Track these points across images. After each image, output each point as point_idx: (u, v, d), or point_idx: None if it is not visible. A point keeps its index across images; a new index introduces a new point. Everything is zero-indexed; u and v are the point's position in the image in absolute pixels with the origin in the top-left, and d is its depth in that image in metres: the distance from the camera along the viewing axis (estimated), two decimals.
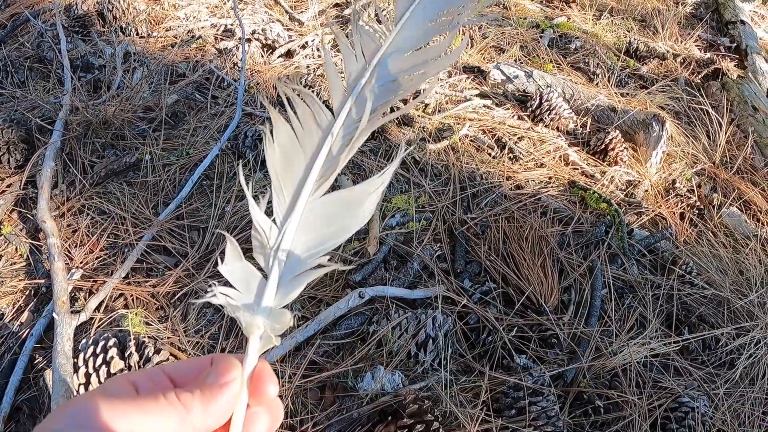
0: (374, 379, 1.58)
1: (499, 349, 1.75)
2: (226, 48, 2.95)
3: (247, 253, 0.52)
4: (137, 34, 3.00)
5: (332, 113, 0.54)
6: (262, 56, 2.94)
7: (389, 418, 1.47)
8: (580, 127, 2.80)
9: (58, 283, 1.74)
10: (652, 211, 2.39)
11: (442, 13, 0.58)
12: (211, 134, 2.41)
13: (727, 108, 2.93)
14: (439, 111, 2.73)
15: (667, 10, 4.04)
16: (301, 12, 3.44)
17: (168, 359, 1.59)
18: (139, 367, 1.53)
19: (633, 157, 2.65)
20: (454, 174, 2.34)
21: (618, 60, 3.35)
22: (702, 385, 1.80)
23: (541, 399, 1.59)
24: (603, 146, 2.60)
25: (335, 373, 1.63)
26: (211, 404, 0.45)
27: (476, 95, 2.89)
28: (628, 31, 3.75)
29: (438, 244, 2.05)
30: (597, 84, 3.13)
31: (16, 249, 1.95)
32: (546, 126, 2.74)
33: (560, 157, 2.59)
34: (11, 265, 1.91)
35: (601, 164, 2.60)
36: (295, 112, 0.54)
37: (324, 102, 0.54)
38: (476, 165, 2.42)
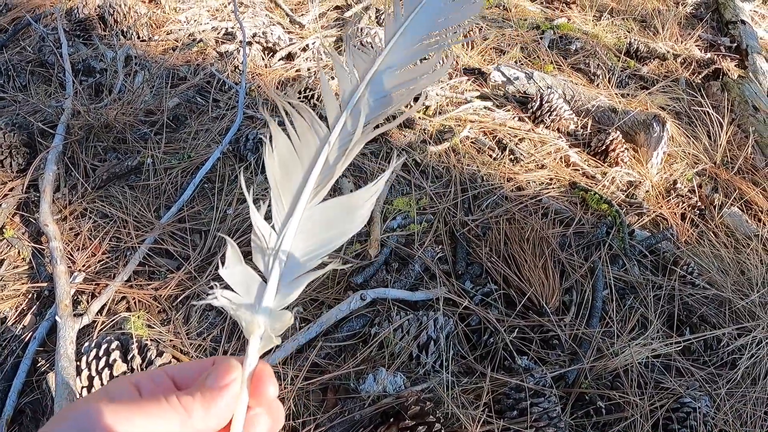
0: (376, 380, 1.58)
1: (500, 351, 1.76)
2: (227, 51, 2.96)
3: (248, 256, 0.52)
4: (138, 37, 3.01)
5: (328, 126, 0.57)
6: (263, 59, 2.95)
7: (391, 419, 1.47)
8: (581, 128, 2.80)
9: (60, 286, 1.75)
10: (653, 212, 2.39)
11: (429, 36, 0.62)
12: (213, 137, 2.41)
13: (727, 108, 2.93)
14: (439, 113, 2.74)
15: (667, 10, 4.04)
16: (302, 15, 3.44)
17: (170, 362, 1.60)
18: (142, 369, 1.53)
19: (634, 157, 2.66)
20: (455, 176, 2.34)
21: (618, 61, 3.35)
22: (704, 386, 1.80)
23: (543, 400, 1.59)
24: (604, 147, 2.60)
25: (337, 375, 1.64)
26: (211, 407, 0.46)
27: (477, 97, 2.90)
28: (629, 32, 3.76)
29: (439, 246, 2.05)
30: (597, 85, 3.13)
31: (19, 252, 1.95)
32: (547, 127, 2.74)
33: (561, 158, 2.59)
34: (14, 268, 1.91)
35: (602, 165, 2.60)
36: (292, 125, 0.56)
37: (320, 115, 0.57)
38: (477, 167, 2.42)
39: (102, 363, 1.51)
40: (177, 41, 3.03)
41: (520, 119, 2.78)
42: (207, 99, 2.65)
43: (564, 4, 3.99)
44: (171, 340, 1.70)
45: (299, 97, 2.58)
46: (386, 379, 1.58)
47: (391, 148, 2.43)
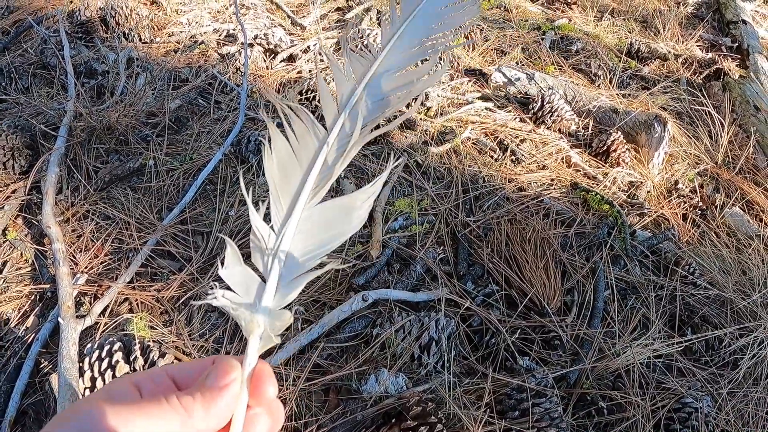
0: (378, 381, 1.58)
1: (502, 351, 1.76)
2: (229, 53, 2.97)
3: (248, 258, 0.53)
4: (140, 39, 3.02)
5: (326, 128, 0.58)
6: (265, 61, 2.95)
7: (393, 420, 1.47)
8: (582, 128, 2.80)
9: (63, 287, 1.76)
10: (655, 212, 2.39)
11: (426, 39, 0.62)
12: (215, 139, 2.42)
13: (729, 108, 2.93)
14: (441, 114, 2.74)
15: (668, 10, 4.04)
16: (303, 16, 3.45)
17: (172, 362, 1.60)
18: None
19: (635, 158, 2.66)
20: (457, 177, 2.34)
21: (619, 61, 3.35)
22: (705, 386, 1.80)
23: (545, 400, 1.59)
24: (605, 148, 2.60)
25: (339, 376, 1.64)
26: (211, 407, 0.46)
27: (478, 98, 2.90)
28: (630, 32, 3.76)
29: (441, 247, 2.06)
30: (599, 85, 3.14)
31: (21, 254, 1.96)
32: (548, 128, 2.74)
33: (562, 159, 2.59)
34: (16, 270, 1.92)
35: (604, 166, 2.60)
36: (291, 127, 0.57)
37: (319, 118, 0.57)
38: (478, 168, 2.42)
39: (105, 364, 1.52)
40: (179, 43, 3.04)
41: (522, 120, 2.78)
42: (209, 101, 2.66)
43: (565, 5, 3.99)
44: (173, 341, 1.71)
45: (300, 99, 2.59)
46: (388, 380, 1.59)
47: (392, 150, 2.43)
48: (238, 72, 2.83)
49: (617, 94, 3.04)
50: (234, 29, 3.19)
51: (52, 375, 1.60)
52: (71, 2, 3.22)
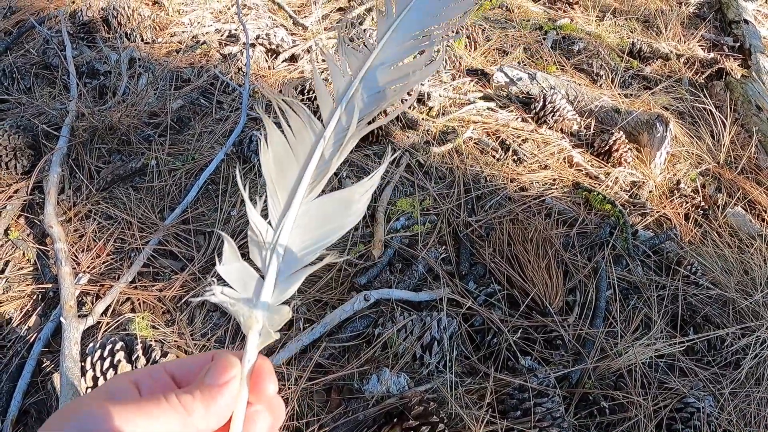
0: (380, 381, 1.58)
1: (504, 351, 1.76)
2: (231, 53, 2.97)
3: (245, 254, 0.53)
4: (142, 40, 3.02)
5: (322, 122, 0.57)
6: (267, 61, 2.96)
7: (395, 419, 1.47)
8: (584, 128, 2.80)
9: (65, 287, 1.76)
10: (657, 212, 2.39)
11: (420, 32, 0.62)
12: (217, 139, 2.42)
13: (731, 107, 2.93)
14: (443, 114, 2.74)
15: (670, 10, 4.04)
16: (305, 17, 3.45)
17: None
18: None
19: (637, 158, 2.66)
20: (459, 177, 2.34)
21: (621, 61, 3.35)
22: (707, 386, 1.80)
23: (547, 400, 1.59)
24: (607, 147, 2.60)
25: (341, 376, 1.64)
26: (211, 405, 0.46)
27: (480, 98, 2.90)
28: (632, 32, 3.75)
29: (443, 247, 2.06)
30: (600, 85, 3.13)
31: (24, 254, 1.96)
32: (550, 128, 2.74)
33: (564, 158, 2.59)
34: (19, 270, 1.92)
35: (605, 165, 2.60)
36: (287, 122, 0.57)
37: (316, 111, 0.57)
38: (480, 167, 2.42)
39: (107, 364, 1.52)
40: (180, 43, 3.04)
41: (523, 120, 2.78)
42: (211, 101, 2.66)
43: (567, 5, 3.99)
44: (175, 341, 1.71)
45: (302, 99, 2.59)
46: (390, 380, 1.59)
47: (394, 149, 2.43)
48: (240, 72, 2.84)
49: (619, 94, 3.03)
50: (236, 29, 3.19)
51: (54, 374, 1.60)
52: (73, 3, 3.22)
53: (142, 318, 1.75)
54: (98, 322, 1.74)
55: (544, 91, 2.84)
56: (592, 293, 1.98)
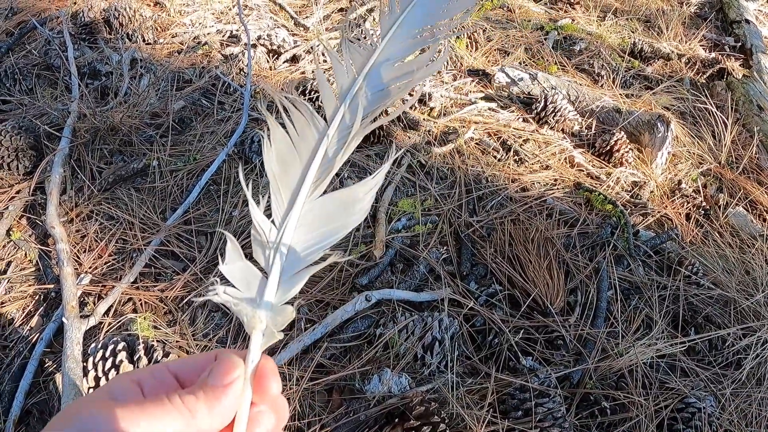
0: (381, 381, 1.59)
1: (505, 351, 1.76)
2: (232, 54, 2.97)
3: (248, 254, 0.53)
4: (144, 40, 3.03)
5: (325, 120, 0.57)
6: (268, 61, 2.96)
7: (396, 420, 1.48)
8: (585, 128, 2.80)
9: (67, 288, 1.76)
10: (658, 212, 2.39)
11: (424, 29, 0.61)
12: (218, 139, 2.43)
13: (732, 107, 2.93)
14: (444, 114, 2.74)
15: (671, 10, 4.03)
16: (306, 17, 3.46)
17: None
18: None
19: (638, 158, 2.66)
20: (460, 177, 2.34)
21: (623, 61, 3.35)
22: (709, 386, 1.80)
23: (548, 400, 1.59)
24: (608, 147, 2.60)
25: (342, 376, 1.64)
26: (215, 406, 0.45)
27: (481, 98, 2.90)
28: (633, 32, 3.75)
29: (444, 247, 2.06)
30: (602, 85, 3.13)
31: (26, 255, 1.97)
32: (551, 128, 2.74)
33: (565, 159, 2.59)
34: (21, 270, 1.93)
35: (607, 166, 2.60)
36: (290, 119, 0.56)
37: (318, 111, 0.57)
38: (482, 168, 2.42)
39: (109, 364, 1.53)
40: (182, 44, 3.05)
41: (525, 120, 2.78)
42: (212, 101, 2.66)
43: (568, 5, 3.99)
44: (177, 341, 1.71)
45: (305, 99, 2.59)
46: (391, 380, 1.59)
47: (397, 148, 2.43)
48: (242, 73, 2.84)
49: (620, 94, 3.03)
50: (237, 30, 3.19)
51: (56, 375, 1.61)
52: (75, 3, 3.23)
53: (144, 318, 1.75)
54: (100, 323, 1.74)
55: (546, 91, 2.84)
56: (593, 293, 1.98)
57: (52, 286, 1.86)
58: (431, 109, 2.75)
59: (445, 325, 1.72)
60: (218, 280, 0.52)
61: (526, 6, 3.90)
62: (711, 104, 2.92)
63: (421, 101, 2.75)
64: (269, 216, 0.54)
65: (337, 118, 0.56)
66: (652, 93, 3.08)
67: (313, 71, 2.91)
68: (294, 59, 3.03)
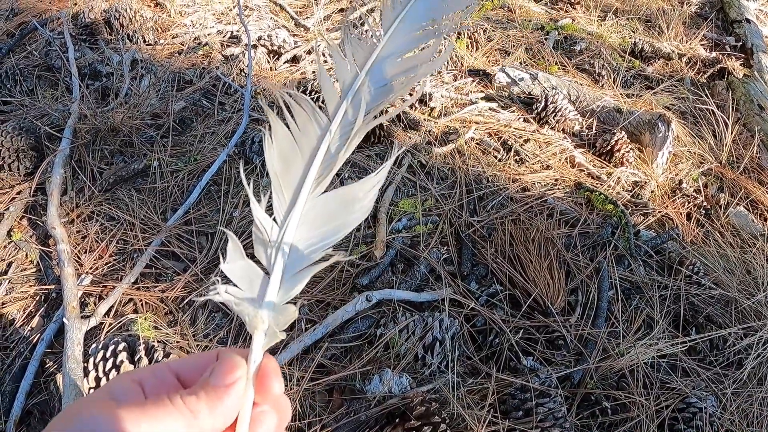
0: (382, 381, 1.59)
1: (506, 351, 1.76)
2: (233, 54, 2.98)
3: (250, 254, 0.52)
4: (144, 41, 3.03)
5: (327, 116, 0.56)
6: (269, 62, 2.96)
7: (397, 420, 1.48)
8: (586, 128, 2.80)
9: (68, 288, 1.76)
10: (659, 212, 2.39)
11: (427, 23, 0.60)
12: (219, 140, 2.43)
13: (733, 107, 2.92)
14: (444, 114, 2.74)
15: (672, 9, 4.03)
16: (307, 18, 3.46)
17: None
18: None
19: (639, 157, 2.65)
20: (461, 177, 2.34)
21: (623, 61, 3.35)
22: (710, 386, 1.80)
23: (549, 400, 1.59)
24: (609, 147, 2.60)
25: (343, 376, 1.64)
26: (217, 406, 0.45)
27: (482, 98, 2.90)
28: (633, 32, 3.75)
29: (445, 247, 2.06)
30: (602, 85, 3.13)
31: (27, 255, 1.97)
32: (552, 128, 2.74)
33: (566, 158, 2.59)
34: (22, 271, 1.93)
35: (607, 165, 2.60)
36: (292, 116, 0.55)
37: (320, 106, 0.56)
38: (482, 168, 2.42)
39: (109, 364, 1.53)
40: (182, 45, 3.05)
41: (525, 120, 2.78)
42: (213, 102, 2.67)
43: (568, 5, 3.99)
44: (178, 342, 1.71)
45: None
46: (392, 380, 1.59)
47: (400, 146, 2.43)
48: (242, 73, 2.84)
49: (621, 94, 3.03)
50: (238, 31, 3.19)
51: (57, 375, 1.61)
52: (75, 4, 3.23)
53: (145, 319, 1.75)
54: (101, 323, 1.75)
55: (546, 91, 2.84)
56: (594, 293, 1.98)
57: (52, 286, 1.86)
58: (432, 109, 2.75)
59: (446, 325, 1.72)
60: (219, 279, 0.51)
61: (527, 6, 3.90)
62: (712, 104, 2.92)
63: (422, 101, 2.75)
64: (271, 214, 0.54)
65: (340, 113, 0.55)
66: (653, 93, 3.08)
67: (314, 72, 2.91)
68: (294, 60, 3.03)
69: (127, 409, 0.42)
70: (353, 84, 0.57)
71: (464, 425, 1.54)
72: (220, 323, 1.79)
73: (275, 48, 3.02)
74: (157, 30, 3.12)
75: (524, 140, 2.64)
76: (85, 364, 1.57)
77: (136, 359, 1.56)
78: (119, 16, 3.03)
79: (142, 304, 1.82)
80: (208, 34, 3.16)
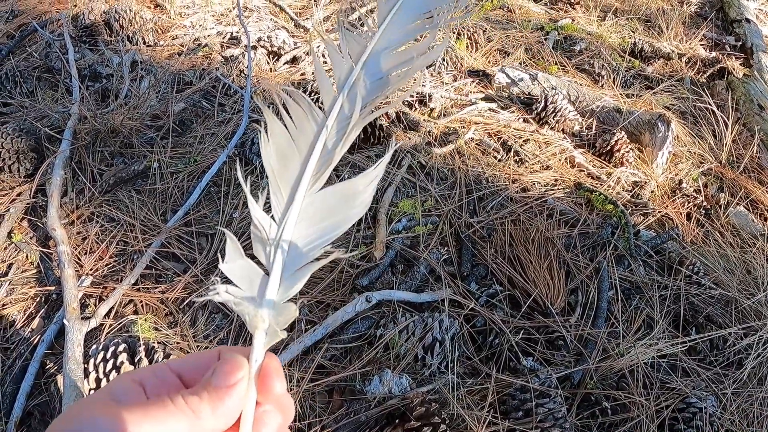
0: (382, 382, 1.59)
1: (506, 352, 1.76)
2: (232, 55, 2.98)
3: (249, 254, 0.52)
4: (144, 43, 3.03)
5: (324, 113, 0.55)
6: (268, 63, 2.96)
7: (397, 420, 1.48)
8: (586, 128, 2.80)
9: (68, 289, 1.76)
10: (659, 212, 2.39)
11: (423, 14, 0.60)
12: (219, 141, 2.43)
13: (732, 107, 2.92)
14: (444, 115, 2.74)
15: (671, 9, 4.03)
16: (306, 19, 3.46)
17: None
18: None
19: (639, 158, 2.65)
20: (460, 178, 2.34)
21: (623, 61, 3.35)
22: (710, 386, 1.80)
23: (548, 401, 1.59)
24: (609, 147, 2.60)
25: (343, 377, 1.64)
26: (219, 407, 0.45)
27: (481, 99, 2.90)
28: (633, 32, 3.75)
29: (444, 248, 2.06)
30: (602, 85, 3.13)
31: (27, 257, 1.97)
32: (551, 128, 2.74)
33: (566, 159, 2.59)
34: (22, 272, 1.93)
35: (607, 166, 2.60)
36: (288, 113, 0.55)
37: (319, 107, 0.56)
38: (482, 168, 2.42)
39: (110, 365, 1.53)
40: (182, 46, 3.05)
41: (525, 120, 2.78)
42: (212, 103, 2.67)
43: (568, 5, 3.99)
44: (178, 343, 1.71)
45: None
46: (392, 381, 1.59)
47: (396, 151, 2.43)
48: (242, 74, 2.84)
49: (621, 94, 3.03)
50: (237, 32, 3.19)
51: (57, 376, 1.61)
52: (75, 6, 3.24)
53: (145, 320, 1.76)
54: (101, 324, 1.75)
55: (546, 91, 2.84)
56: (593, 294, 1.98)
57: (53, 288, 1.87)
58: (431, 109, 2.75)
59: (446, 325, 1.72)
60: (219, 279, 0.51)
61: (526, 6, 3.90)
62: (711, 104, 2.92)
63: (422, 102, 2.76)
64: (269, 212, 0.53)
65: (336, 108, 0.55)
66: (653, 93, 3.08)
67: (313, 72, 2.91)
68: (294, 61, 3.04)
69: (129, 410, 0.42)
70: (349, 78, 0.56)
71: (464, 426, 1.54)
72: (221, 324, 1.79)
73: (275, 49, 3.03)
74: (157, 31, 3.12)
75: (524, 140, 2.64)
76: (86, 365, 1.57)
77: (136, 360, 1.56)
78: (119, 17, 3.03)
79: (142, 306, 1.82)
80: (208, 36, 3.16)
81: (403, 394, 1.57)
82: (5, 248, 1.98)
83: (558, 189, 2.39)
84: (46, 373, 1.65)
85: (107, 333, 1.73)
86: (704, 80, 3.33)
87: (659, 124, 2.65)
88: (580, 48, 3.45)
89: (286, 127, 0.55)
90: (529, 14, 3.81)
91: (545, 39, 3.49)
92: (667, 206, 2.42)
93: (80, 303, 1.77)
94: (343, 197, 0.53)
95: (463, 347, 1.78)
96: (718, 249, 2.26)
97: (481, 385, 1.67)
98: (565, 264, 2.04)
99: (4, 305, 1.82)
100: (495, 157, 2.53)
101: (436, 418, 1.45)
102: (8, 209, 2.08)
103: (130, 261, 1.95)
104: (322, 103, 0.56)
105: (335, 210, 0.53)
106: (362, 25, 0.61)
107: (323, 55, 2.90)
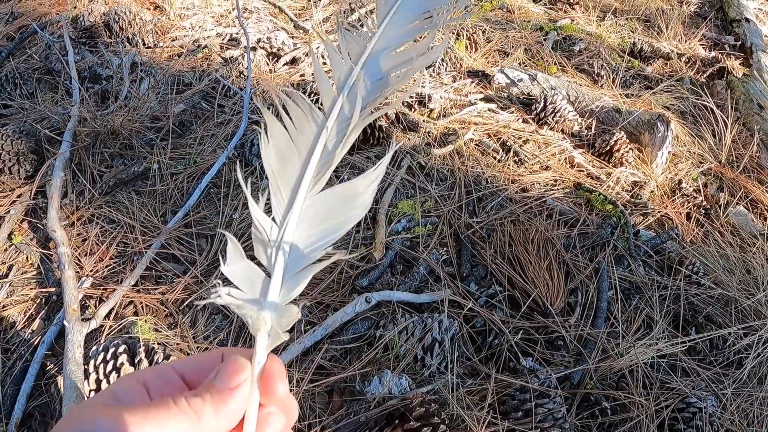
0: (381, 383, 1.59)
1: (505, 352, 1.76)
2: (232, 57, 2.98)
3: (250, 255, 0.52)
4: (144, 44, 3.03)
5: (324, 113, 0.55)
6: (268, 64, 2.97)
7: (396, 421, 1.48)
8: (585, 128, 2.80)
9: (68, 291, 1.77)
10: (658, 212, 2.39)
11: (423, 15, 0.59)
12: (218, 143, 2.43)
13: (732, 106, 2.92)
14: (443, 116, 2.75)
15: (671, 9, 4.03)
16: (306, 20, 3.46)
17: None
18: None
19: (638, 158, 2.66)
20: (460, 178, 2.35)
21: (622, 61, 3.35)
22: (710, 386, 1.80)
23: (548, 401, 1.59)
24: (608, 148, 2.60)
25: (343, 378, 1.64)
26: (222, 409, 0.45)
27: (481, 99, 2.90)
28: (633, 32, 3.75)
29: (444, 248, 2.06)
30: (601, 85, 3.13)
31: (27, 258, 1.97)
32: (551, 129, 2.74)
33: (565, 159, 2.59)
34: (22, 274, 1.93)
35: (607, 166, 2.60)
36: (288, 114, 0.55)
37: (319, 107, 0.56)
38: (481, 169, 2.42)
39: (110, 366, 1.53)
40: (182, 47, 3.06)
41: (524, 121, 2.78)
42: (212, 104, 2.67)
43: (567, 5, 3.99)
44: (178, 344, 1.72)
45: None
46: (391, 381, 1.59)
47: (395, 152, 2.44)
48: (242, 76, 2.85)
49: (620, 94, 3.03)
50: (237, 33, 3.20)
51: (57, 377, 1.61)
52: (75, 8, 3.24)
53: (145, 321, 1.76)
54: (101, 326, 1.75)
55: (545, 91, 2.84)
56: (593, 294, 1.98)
57: (53, 289, 1.87)
58: (431, 110, 2.76)
59: (445, 326, 1.72)
60: (220, 282, 0.51)
61: (526, 6, 3.90)
62: (711, 103, 2.92)
63: (421, 103, 2.76)
64: (270, 213, 0.53)
65: (336, 109, 0.55)
66: (652, 93, 3.08)
67: (313, 73, 2.92)
68: (294, 62, 3.04)
69: (131, 411, 0.42)
70: (348, 79, 0.56)
71: (464, 426, 1.55)
72: (221, 325, 1.79)
73: (274, 50, 3.03)
74: (157, 33, 3.13)
75: (523, 141, 2.64)
76: (86, 367, 1.57)
77: (136, 361, 1.57)
78: (119, 19, 3.03)
79: (142, 307, 1.82)
80: (208, 37, 3.16)
81: (403, 394, 1.57)
82: (5, 250, 1.99)
83: (557, 189, 2.39)
84: (46, 375, 1.65)
85: (107, 334, 1.73)
86: (704, 80, 3.33)
87: (659, 124, 2.65)
88: (579, 48, 3.45)
89: (286, 129, 0.54)
90: (528, 14, 3.81)
91: (544, 39, 3.49)
92: (666, 206, 2.42)
93: (80, 304, 1.77)
94: (344, 198, 0.53)
95: (462, 348, 1.78)
96: (718, 249, 2.26)
97: (481, 386, 1.68)
98: (565, 264, 2.04)
99: (4, 307, 1.82)
100: (494, 158, 2.53)
101: (436, 418, 1.46)
102: (8, 211, 2.08)
103: (130, 262, 1.95)
104: (321, 104, 0.56)
105: (336, 211, 0.53)
106: (362, 25, 0.61)
107: (323, 56, 2.90)
